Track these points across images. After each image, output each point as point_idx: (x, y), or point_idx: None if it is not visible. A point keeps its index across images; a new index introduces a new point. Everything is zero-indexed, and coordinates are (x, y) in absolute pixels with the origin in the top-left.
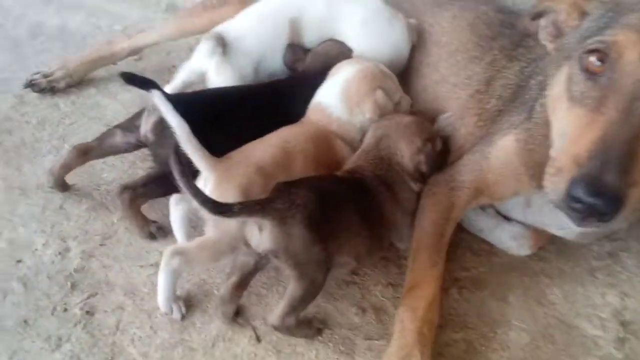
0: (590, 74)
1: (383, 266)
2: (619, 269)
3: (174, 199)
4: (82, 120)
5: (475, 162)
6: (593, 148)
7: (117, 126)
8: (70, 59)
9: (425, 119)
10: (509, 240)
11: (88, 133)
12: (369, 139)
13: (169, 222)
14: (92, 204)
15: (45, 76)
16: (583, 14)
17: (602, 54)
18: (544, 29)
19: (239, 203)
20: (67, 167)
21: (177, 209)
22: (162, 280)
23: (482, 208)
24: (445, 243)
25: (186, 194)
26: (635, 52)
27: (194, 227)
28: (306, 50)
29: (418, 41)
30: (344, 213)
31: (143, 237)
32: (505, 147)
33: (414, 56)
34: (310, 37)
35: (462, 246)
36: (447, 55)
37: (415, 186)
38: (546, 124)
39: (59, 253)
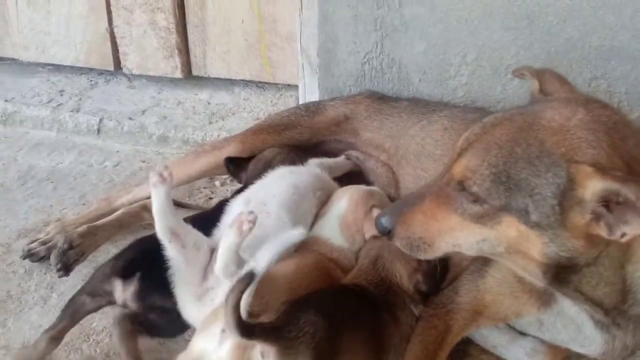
0: None
1: None
2: None
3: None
4: None
5: (472, 281)
6: None
7: (83, 292)
8: (68, 221)
9: None
10: (524, 357)
11: (77, 278)
12: (363, 260)
13: None
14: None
15: (44, 243)
16: None
17: None
18: None
19: (259, 324)
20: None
21: None
22: None
23: None
24: None
25: None
26: None
27: None
28: (248, 159)
29: (408, 156)
30: (352, 334)
31: None
32: (502, 263)
33: (408, 172)
34: None
35: None
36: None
37: (416, 310)
38: None
39: None
